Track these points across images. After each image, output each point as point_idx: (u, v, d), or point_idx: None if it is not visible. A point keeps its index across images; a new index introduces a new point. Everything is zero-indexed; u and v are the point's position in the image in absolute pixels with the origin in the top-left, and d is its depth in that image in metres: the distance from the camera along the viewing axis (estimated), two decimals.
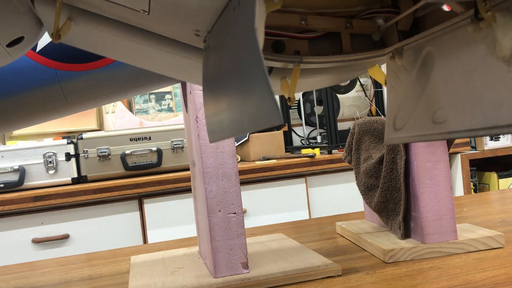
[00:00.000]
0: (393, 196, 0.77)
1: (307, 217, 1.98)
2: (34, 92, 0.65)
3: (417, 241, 0.72)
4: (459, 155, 2.12)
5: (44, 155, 1.75)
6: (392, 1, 0.43)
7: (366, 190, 0.85)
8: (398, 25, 0.44)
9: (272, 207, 1.94)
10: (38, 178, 1.75)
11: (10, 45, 0.42)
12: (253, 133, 2.18)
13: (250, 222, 1.88)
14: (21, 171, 1.72)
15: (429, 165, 0.71)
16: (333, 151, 2.08)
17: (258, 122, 0.24)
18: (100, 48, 0.45)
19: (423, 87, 0.39)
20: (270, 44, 0.43)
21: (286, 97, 0.42)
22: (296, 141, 2.67)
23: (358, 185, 0.89)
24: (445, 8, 0.39)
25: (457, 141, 2.14)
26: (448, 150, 0.73)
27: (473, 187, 2.16)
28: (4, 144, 2.17)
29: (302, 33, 0.43)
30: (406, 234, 0.75)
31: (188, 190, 1.82)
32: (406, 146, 0.73)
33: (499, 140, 2.16)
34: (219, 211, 0.66)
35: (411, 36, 0.41)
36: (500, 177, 2.18)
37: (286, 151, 2.42)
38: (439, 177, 0.71)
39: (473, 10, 0.30)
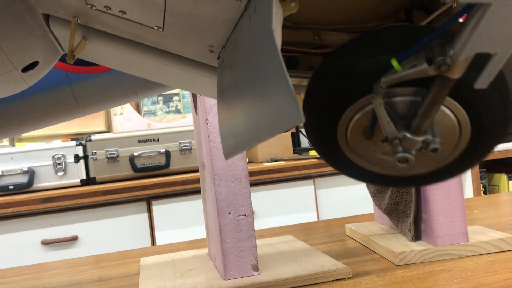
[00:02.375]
0: (403, 198, 0.76)
1: (316, 219, 1.98)
2: (46, 94, 0.65)
3: (428, 243, 0.71)
4: None
5: (53, 157, 1.76)
6: (405, 15, 0.43)
7: (376, 192, 0.85)
8: None
9: (280, 209, 1.94)
10: (47, 179, 1.76)
11: (25, 70, 0.43)
12: None
13: (258, 224, 1.88)
14: (30, 173, 1.73)
15: None
16: None
17: (276, 125, 0.23)
18: (115, 64, 0.45)
19: None
20: (284, 60, 0.43)
21: None
22: (304, 143, 2.67)
23: (367, 187, 0.89)
24: (460, 20, 0.39)
25: None
26: None
27: (483, 189, 2.15)
28: (14, 146, 2.19)
29: (316, 49, 0.43)
30: (416, 237, 0.74)
31: (196, 191, 1.82)
32: None
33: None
34: (229, 213, 0.66)
35: None
36: (510, 178, 2.16)
37: (294, 153, 2.41)
38: None
39: None
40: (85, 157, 1.81)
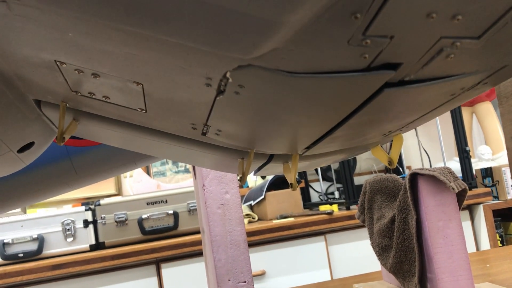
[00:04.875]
0: (407, 257, 0.75)
1: (329, 276, 1.93)
2: (46, 168, 0.67)
3: None
4: (481, 206, 2.07)
5: (62, 223, 1.77)
6: None
7: (381, 251, 0.84)
8: None
9: (292, 267, 1.90)
10: (57, 246, 1.76)
11: (21, 150, 0.44)
12: (268, 191, 2.18)
13: (270, 285, 1.84)
14: (40, 240, 1.73)
15: (441, 224, 0.70)
16: (351, 206, 2.05)
17: None
18: (107, 140, 0.47)
19: None
20: None
21: (289, 183, 0.42)
22: (314, 197, 2.65)
23: (372, 246, 0.88)
24: None
25: (478, 191, 2.09)
26: (460, 207, 0.71)
27: (499, 238, 2.09)
28: (25, 213, 2.20)
29: None
30: None
31: None
32: (416, 205, 0.72)
33: None
34: (229, 280, 0.65)
35: None
36: None
37: (304, 207, 2.39)
38: (452, 236, 0.70)
39: None
40: (94, 222, 1.81)
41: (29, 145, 0.49)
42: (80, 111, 0.42)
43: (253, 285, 0.66)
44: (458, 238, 0.70)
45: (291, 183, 0.44)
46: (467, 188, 0.71)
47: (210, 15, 0.20)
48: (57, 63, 0.31)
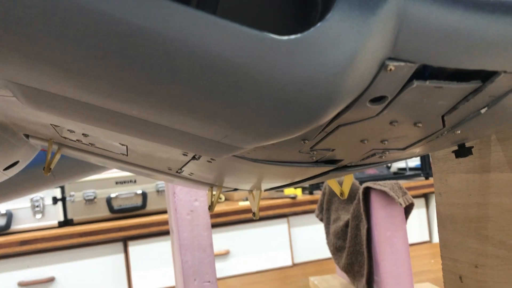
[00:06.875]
0: (358, 259, 0.83)
1: (290, 257, 2.03)
2: (27, 172, 0.71)
3: None
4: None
5: (31, 199, 1.79)
6: None
7: (335, 251, 0.91)
8: None
9: (255, 247, 1.98)
10: (25, 221, 1.79)
11: (6, 169, 0.48)
12: None
13: (232, 263, 1.92)
14: (8, 215, 1.75)
15: (389, 234, 0.77)
16: (314, 191, 2.14)
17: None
18: (87, 160, 0.51)
19: None
20: None
21: (252, 211, 0.48)
22: None
23: (328, 245, 0.95)
24: None
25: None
26: (406, 219, 0.79)
27: None
28: None
29: None
30: None
31: None
32: (368, 215, 0.80)
33: None
34: (195, 280, 0.72)
35: None
36: None
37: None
38: (398, 245, 0.78)
39: None
40: (63, 199, 1.84)
41: (14, 164, 0.53)
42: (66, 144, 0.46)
43: (217, 285, 0.73)
44: (403, 247, 0.78)
45: (253, 213, 0.50)
46: (414, 202, 0.78)
47: (191, 140, 0.25)
48: (52, 125, 0.36)
